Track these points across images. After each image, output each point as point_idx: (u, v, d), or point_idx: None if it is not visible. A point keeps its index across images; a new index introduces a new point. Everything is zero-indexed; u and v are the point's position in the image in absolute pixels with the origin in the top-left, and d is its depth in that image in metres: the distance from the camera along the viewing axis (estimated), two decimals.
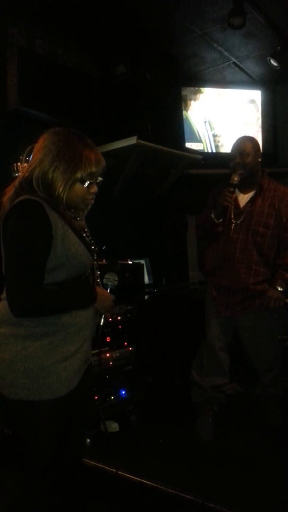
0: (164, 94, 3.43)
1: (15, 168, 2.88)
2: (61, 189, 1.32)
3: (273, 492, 1.93)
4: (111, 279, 1.54)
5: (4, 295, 1.32)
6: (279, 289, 2.39)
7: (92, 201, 1.42)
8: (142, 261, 3.17)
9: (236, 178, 2.36)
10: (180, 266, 4.20)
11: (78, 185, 1.34)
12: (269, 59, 3.41)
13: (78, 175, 1.32)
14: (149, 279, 3.58)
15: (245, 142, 2.48)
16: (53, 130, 1.39)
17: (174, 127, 3.55)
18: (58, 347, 1.32)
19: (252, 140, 2.55)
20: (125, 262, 2.77)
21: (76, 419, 1.47)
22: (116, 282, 1.57)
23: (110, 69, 3.36)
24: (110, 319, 2.56)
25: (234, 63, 3.71)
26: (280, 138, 4.24)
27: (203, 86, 3.96)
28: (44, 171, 1.32)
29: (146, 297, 2.99)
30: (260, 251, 2.43)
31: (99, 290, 1.44)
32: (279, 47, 3.34)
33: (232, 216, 2.45)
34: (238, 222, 2.45)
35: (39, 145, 1.37)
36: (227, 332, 2.57)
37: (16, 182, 1.36)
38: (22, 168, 2.47)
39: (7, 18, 2.88)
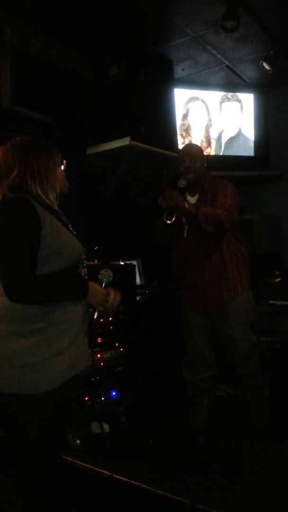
0: (157, 96, 3.45)
1: None
2: (51, 178, 1.46)
3: (262, 493, 1.94)
4: (106, 275, 1.57)
5: (1, 291, 1.36)
6: (191, 210, 2.37)
7: (68, 184, 1.58)
8: (134, 262, 3.17)
9: (183, 182, 2.51)
10: (172, 267, 4.20)
11: (59, 169, 1.52)
12: (262, 63, 3.43)
13: (56, 163, 1.50)
14: (140, 280, 3.58)
15: (193, 149, 2.68)
16: (10, 142, 1.50)
17: (167, 129, 3.56)
18: (51, 342, 1.38)
19: (198, 146, 2.81)
20: (117, 262, 2.77)
21: (62, 414, 1.50)
22: (111, 278, 1.59)
23: (103, 70, 3.36)
24: (110, 318, 2.60)
25: (227, 66, 3.73)
26: (272, 141, 4.28)
27: (196, 89, 3.98)
28: (33, 170, 1.43)
29: (137, 298, 2.99)
30: (213, 245, 2.55)
31: (92, 284, 1.48)
32: (272, 51, 3.36)
33: (184, 219, 2.56)
34: (190, 223, 2.55)
35: (8, 152, 1.47)
36: (204, 323, 2.68)
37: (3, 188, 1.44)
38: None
39: (1, 16, 2.87)
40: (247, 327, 2.59)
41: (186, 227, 2.59)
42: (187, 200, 2.54)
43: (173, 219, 2.43)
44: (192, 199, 2.64)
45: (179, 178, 2.54)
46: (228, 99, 4.09)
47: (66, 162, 1.58)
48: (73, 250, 1.45)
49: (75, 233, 1.52)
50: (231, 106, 4.09)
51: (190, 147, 2.75)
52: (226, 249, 2.56)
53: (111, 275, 1.58)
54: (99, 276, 1.56)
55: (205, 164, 2.64)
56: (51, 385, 1.37)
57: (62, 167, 1.56)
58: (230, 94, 4.07)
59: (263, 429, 2.53)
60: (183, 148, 2.76)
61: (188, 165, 2.57)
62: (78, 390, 2.23)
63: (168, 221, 2.45)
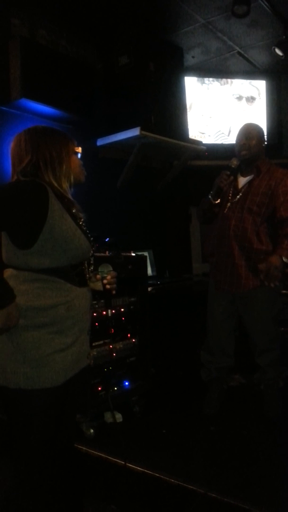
0: (167, 85, 3.41)
1: None
2: (65, 166, 1.43)
3: (274, 483, 1.94)
4: (106, 271, 1.54)
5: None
6: (284, 259, 2.40)
7: (85, 171, 1.54)
8: (146, 253, 3.17)
9: (235, 162, 2.48)
10: (184, 258, 4.20)
11: (73, 156, 1.48)
12: (274, 48, 3.37)
13: (70, 151, 1.47)
14: (152, 271, 3.58)
15: (251, 127, 2.60)
16: (26, 129, 1.49)
17: (178, 118, 3.52)
18: (55, 339, 1.36)
19: (257, 126, 2.64)
20: (128, 254, 2.77)
21: (69, 408, 1.49)
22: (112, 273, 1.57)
23: (113, 60, 3.34)
24: (122, 309, 2.59)
25: (238, 52, 3.67)
26: (285, 129, 4.21)
27: (208, 76, 3.93)
28: (45, 158, 1.41)
29: (149, 289, 2.99)
30: (253, 229, 2.47)
31: (12, 308, 1.31)
32: (284, 36, 3.30)
33: (230, 196, 2.55)
34: (234, 201, 2.52)
35: (20, 140, 1.45)
36: (228, 312, 2.63)
37: (16, 175, 1.41)
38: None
39: (9, 8, 2.85)
40: (272, 318, 2.55)
41: (229, 204, 2.53)
42: (237, 182, 2.53)
43: (219, 200, 2.47)
44: (243, 179, 2.57)
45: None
46: (239, 88, 4.03)
47: (81, 150, 1.53)
48: (79, 246, 1.40)
49: (84, 228, 1.48)
50: (243, 95, 4.04)
51: (248, 125, 2.63)
52: (259, 239, 2.48)
53: (111, 269, 1.55)
54: (99, 273, 1.53)
55: (263, 145, 2.57)
56: (55, 381, 1.35)
57: (79, 155, 1.51)
58: (241, 82, 4.02)
59: (275, 419, 2.53)
60: (242, 126, 2.64)
61: (243, 142, 2.52)
62: (84, 384, 2.22)
63: (215, 201, 2.48)
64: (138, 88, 3.23)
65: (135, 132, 3.10)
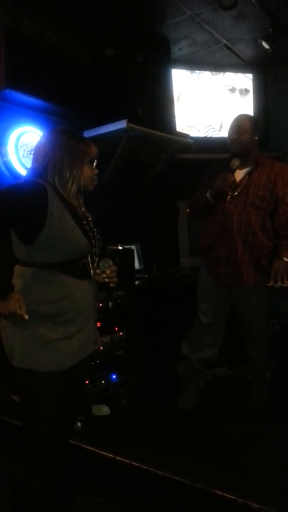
0: (154, 77, 3.39)
1: (3, 152, 2.85)
2: (74, 173, 1.51)
3: (260, 473, 1.97)
4: (106, 265, 1.61)
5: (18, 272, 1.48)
6: (285, 259, 2.42)
7: (96, 182, 1.61)
8: (133, 247, 3.17)
9: (236, 163, 2.40)
10: (171, 251, 4.20)
11: (86, 168, 1.55)
12: (261, 42, 3.37)
13: (85, 160, 1.54)
14: (139, 264, 3.58)
15: (244, 119, 2.52)
16: (51, 130, 1.60)
17: (165, 111, 3.51)
18: (61, 328, 1.47)
19: (251, 118, 2.59)
20: (115, 247, 2.76)
21: (69, 398, 1.56)
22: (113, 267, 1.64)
23: (99, 51, 3.30)
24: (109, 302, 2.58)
25: (225, 45, 3.66)
26: (272, 122, 4.22)
27: (195, 69, 3.91)
28: (56, 162, 1.50)
29: (136, 282, 2.99)
30: (257, 223, 2.45)
31: (14, 296, 1.41)
32: (271, 30, 3.30)
33: (229, 192, 2.47)
34: (235, 194, 2.46)
35: (42, 142, 1.57)
36: (222, 306, 2.60)
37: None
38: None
39: None
40: (267, 310, 2.58)
41: (229, 197, 2.46)
42: (233, 174, 2.44)
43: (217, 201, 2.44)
44: (241, 172, 2.49)
45: (231, 158, 2.44)
46: (225, 81, 4.02)
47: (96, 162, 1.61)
48: (77, 244, 1.48)
49: (87, 227, 1.55)
50: (229, 88, 4.03)
51: (241, 117, 2.54)
52: (264, 233, 2.47)
53: (111, 264, 1.63)
54: (100, 267, 1.61)
55: (256, 138, 2.51)
56: (61, 365, 1.46)
57: (94, 165, 1.58)
58: (228, 75, 4.01)
59: (262, 410, 2.56)
60: (234, 118, 2.56)
61: (235, 137, 2.45)
62: (88, 373, 2.25)
63: (212, 201, 2.44)
64: (125, 80, 3.21)
65: (122, 124, 3.07)
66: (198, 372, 2.68)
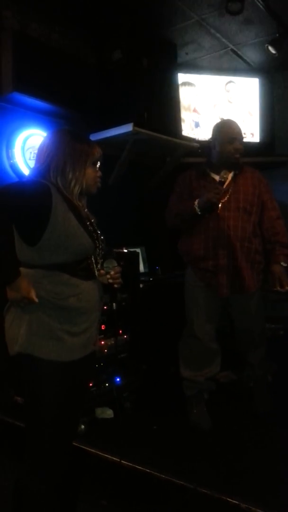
0: (160, 81, 3.40)
1: (10, 154, 2.86)
2: (77, 173, 1.50)
3: (264, 478, 1.96)
4: (111, 266, 1.60)
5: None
6: (283, 264, 2.43)
7: (100, 184, 1.60)
8: (138, 250, 3.17)
9: (226, 177, 2.38)
10: (176, 255, 4.19)
11: (89, 169, 1.54)
12: (267, 46, 3.38)
13: (88, 162, 1.53)
14: (144, 267, 3.58)
15: (239, 127, 2.53)
16: (55, 130, 1.60)
17: (171, 115, 3.52)
18: (65, 323, 1.46)
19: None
20: (120, 250, 2.77)
21: (73, 399, 1.54)
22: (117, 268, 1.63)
23: (106, 55, 3.32)
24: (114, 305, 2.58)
25: (232, 50, 3.67)
26: (278, 127, 4.22)
27: (201, 74, 3.92)
28: (58, 162, 1.49)
29: (141, 285, 2.99)
30: (252, 229, 2.46)
31: (24, 281, 1.42)
32: (277, 34, 3.30)
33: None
34: (225, 200, 2.42)
35: (45, 142, 1.57)
36: (215, 317, 2.54)
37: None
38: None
39: (0, 0, 2.82)
40: (264, 317, 2.59)
41: (220, 204, 2.40)
42: (215, 179, 2.42)
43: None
44: (229, 174, 2.44)
45: (221, 170, 2.38)
46: (232, 84, 4.03)
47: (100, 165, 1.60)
48: (80, 244, 1.47)
49: (91, 228, 1.53)
50: (236, 92, 4.04)
51: (237, 125, 2.51)
52: (257, 239, 2.47)
53: (115, 265, 1.61)
54: (104, 268, 1.59)
55: None
56: (60, 355, 1.44)
57: (97, 166, 1.57)
58: (234, 79, 4.02)
59: (265, 415, 2.54)
60: (233, 125, 2.51)
61: (239, 146, 2.44)
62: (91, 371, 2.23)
63: (200, 213, 2.37)
64: (131, 84, 3.22)
65: (127, 128, 3.08)
66: (207, 388, 2.62)
